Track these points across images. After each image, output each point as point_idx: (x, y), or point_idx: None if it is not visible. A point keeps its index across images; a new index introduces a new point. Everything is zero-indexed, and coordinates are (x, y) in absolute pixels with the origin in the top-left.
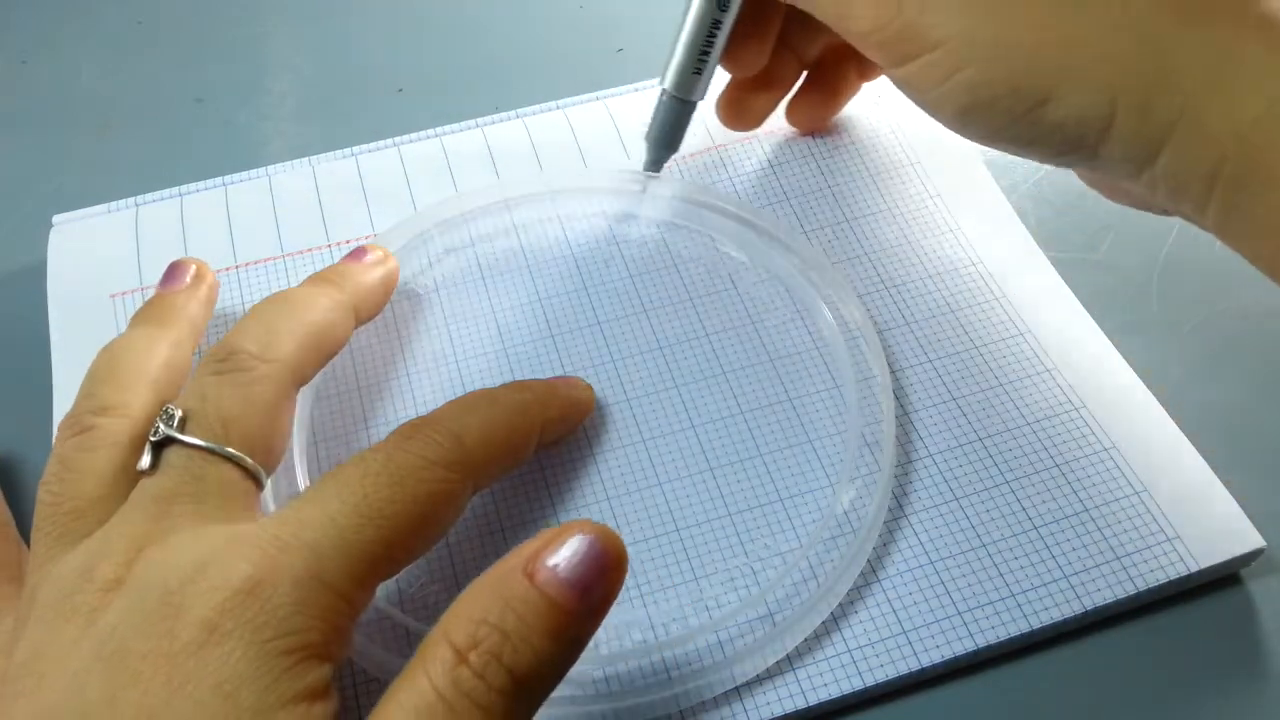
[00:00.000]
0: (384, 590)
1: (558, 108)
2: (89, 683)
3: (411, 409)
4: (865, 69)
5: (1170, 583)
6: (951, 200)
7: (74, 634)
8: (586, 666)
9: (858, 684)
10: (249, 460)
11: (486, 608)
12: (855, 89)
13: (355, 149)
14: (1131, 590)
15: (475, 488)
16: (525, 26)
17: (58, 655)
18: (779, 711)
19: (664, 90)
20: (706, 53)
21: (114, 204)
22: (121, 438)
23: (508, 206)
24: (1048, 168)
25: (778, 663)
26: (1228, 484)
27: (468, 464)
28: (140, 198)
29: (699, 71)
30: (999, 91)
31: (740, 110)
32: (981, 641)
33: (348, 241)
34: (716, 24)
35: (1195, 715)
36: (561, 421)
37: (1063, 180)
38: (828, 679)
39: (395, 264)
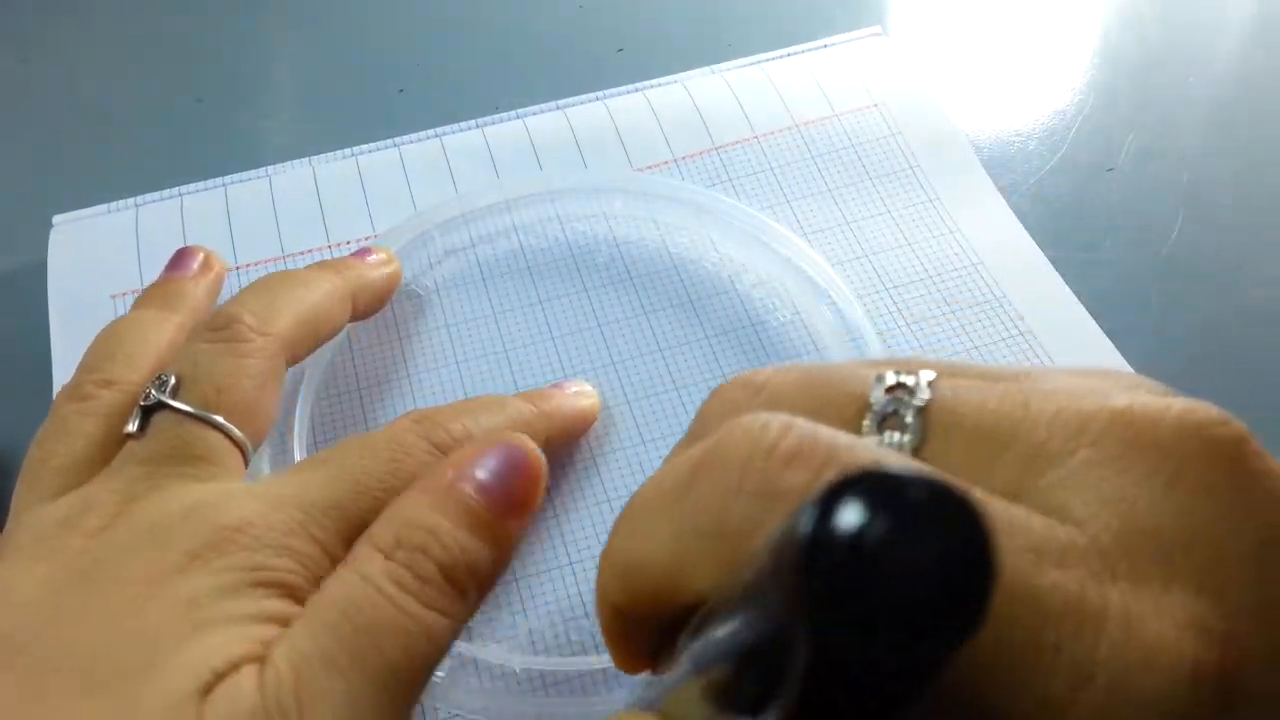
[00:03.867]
0: None
1: (558, 108)
2: (62, 599)
3: (412, 409)
4: None
5: None
6: (951, 202)
7: (47, 571)
8: (589, 658)
9: None
10: (236, 431)
11: (411, 513)
12: None
13: (355, 149)
14: None
15: None
16: (525, 26)
17: (27, 586)
18: None
19: None
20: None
21: (114, 204)
22: (119, 409)
23: (508, 206)
24: (1048, 168)
25: None
26: None
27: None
28: (140, 198)
29: None
30: None
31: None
32: None
33: (348, 242)
34: None
35: None
36: (563, 434)
37: (1063, 180)
38: None
39: (398, 267)
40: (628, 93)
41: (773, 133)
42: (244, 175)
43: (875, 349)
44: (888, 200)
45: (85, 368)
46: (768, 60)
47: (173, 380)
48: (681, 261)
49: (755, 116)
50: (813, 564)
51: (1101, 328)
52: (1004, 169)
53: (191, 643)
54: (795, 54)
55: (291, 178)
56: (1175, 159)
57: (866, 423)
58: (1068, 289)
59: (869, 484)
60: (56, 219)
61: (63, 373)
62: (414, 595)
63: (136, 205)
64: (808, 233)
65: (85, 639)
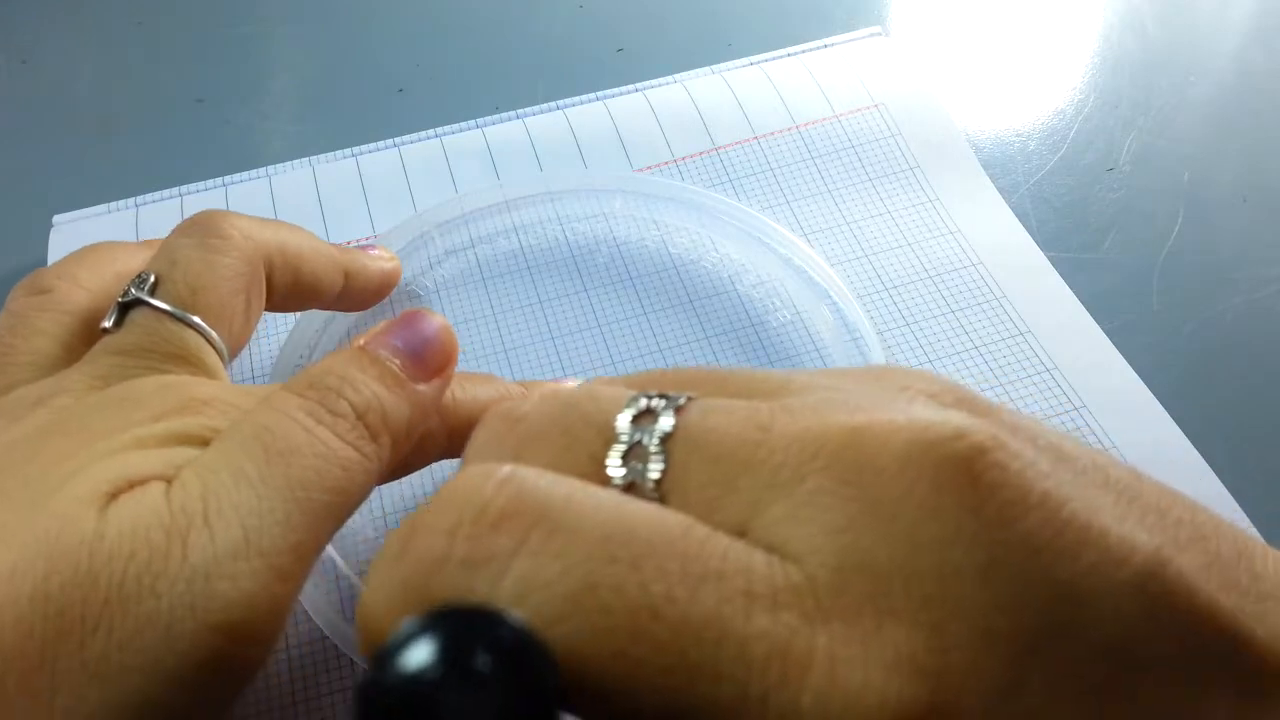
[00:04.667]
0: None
1: (558, 108)
2: (19, 444)
3: None
4: None
5: None
6: (950, 202)
7: (14, 429)
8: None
9: None
10: (213, 334)
11: (326, 364)
12: None
13: (355, 149)
14: None
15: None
16: (525, 26)
17: None
18: None
19: None
20: None
21: (114, 204)
22: (79, 308)
23: (508, 206)
24: (1048, 168)
25: None
26: (1228, 484)
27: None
28: (140, 198)
29: None
30: None
31: None
32: None
33: (347, 241)
34: None
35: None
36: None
37: (1063, 180)
38: None
39: (399, 265)
40: (628, 93)
41: (773, 133)
42: (244, 175)
43: (875, 349)
44: (888, 200)
45: (44, 270)
46: (768, 60)
47: (151, 279)
48: (681, 261)
49: (755, 117)
50: (363, 709)
51: (1101, 327)
52: (1004, 169)
53: (108, 461)
54: (795, 54)
55: (291, 178)
56: (1175, 159)
57: (612, 457)
58: (1068, 289)
59: (435, 624)
60: (56, 219)
61: None
62: (327, 426)
63: (136, 205)
64: (808, 233)
65: (30, 469)
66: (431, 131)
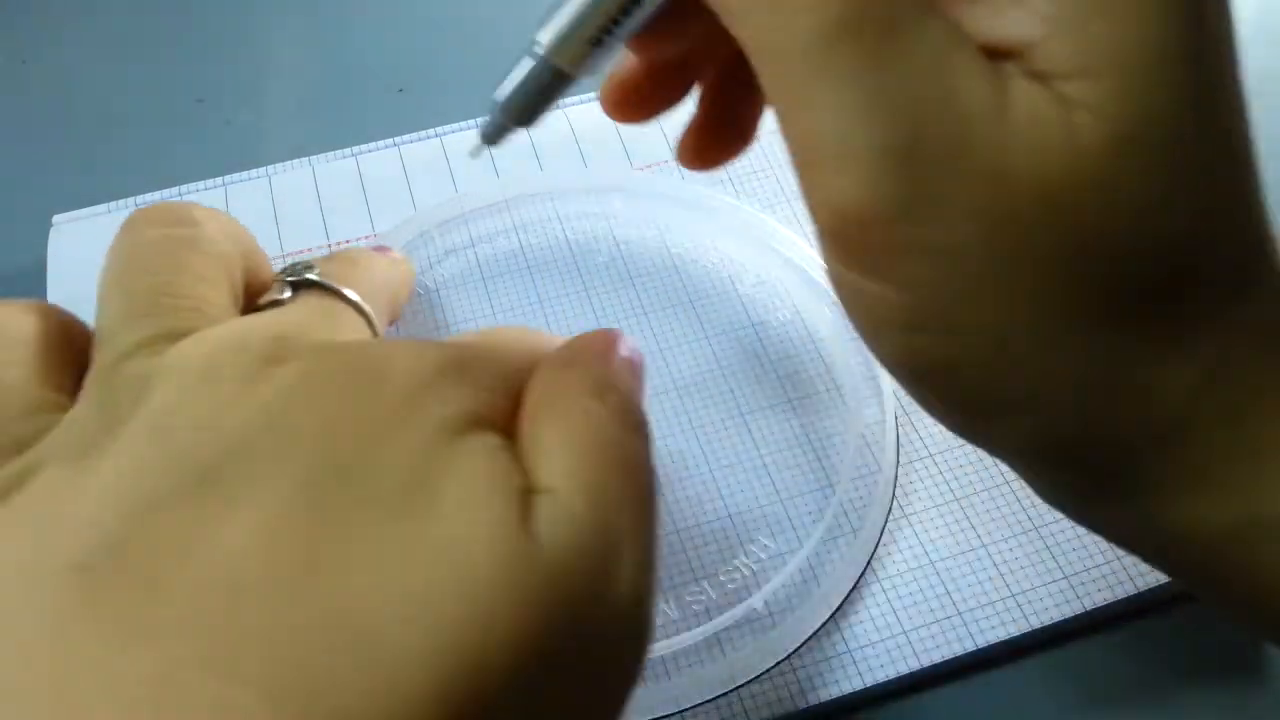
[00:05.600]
0: None
1: (558, 108)
2: (301, 410)
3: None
4: None
5: (1171, 583)
6: None
7: (231, 393)
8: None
9: (858, 684)
10: (375, 319)
11: (598, 368)
12: (760, 116)
13: (355, 149)
14: (1132, 590)
15: None
16: (525, 26)
17: (206, 409)
18: (778, 711)
19: (542, 51)
20: (619, 21)
21: (114, 204)
22: (232, 262)
23: (508, 206)
24: None
25: (777, 663)
26: None
27: None
28: (140, 198)
29: (600, 43)
30: (957, 386)
31: (637, 101)
32: (981, 641)
33: (347, 241)
34: None
35: (1196, 715)
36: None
37: None
38: (828, 679)
39: (412, 270)
40: None
41: (773, 131)
42: (244, 175)
43: None
44: None
45: (183, 205)
46: None
47: (307, 265)
48: (681, 261)
49: None
50: None
51: None
52: None
53: (464, 460)
54: None
55: (291, 178)
56: None
57: None
58: None
59: None
60: (56, 219)
61: None
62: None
63: (137, 205)
64: (808, 232)
65: (347, 451)
66: (431, 131)
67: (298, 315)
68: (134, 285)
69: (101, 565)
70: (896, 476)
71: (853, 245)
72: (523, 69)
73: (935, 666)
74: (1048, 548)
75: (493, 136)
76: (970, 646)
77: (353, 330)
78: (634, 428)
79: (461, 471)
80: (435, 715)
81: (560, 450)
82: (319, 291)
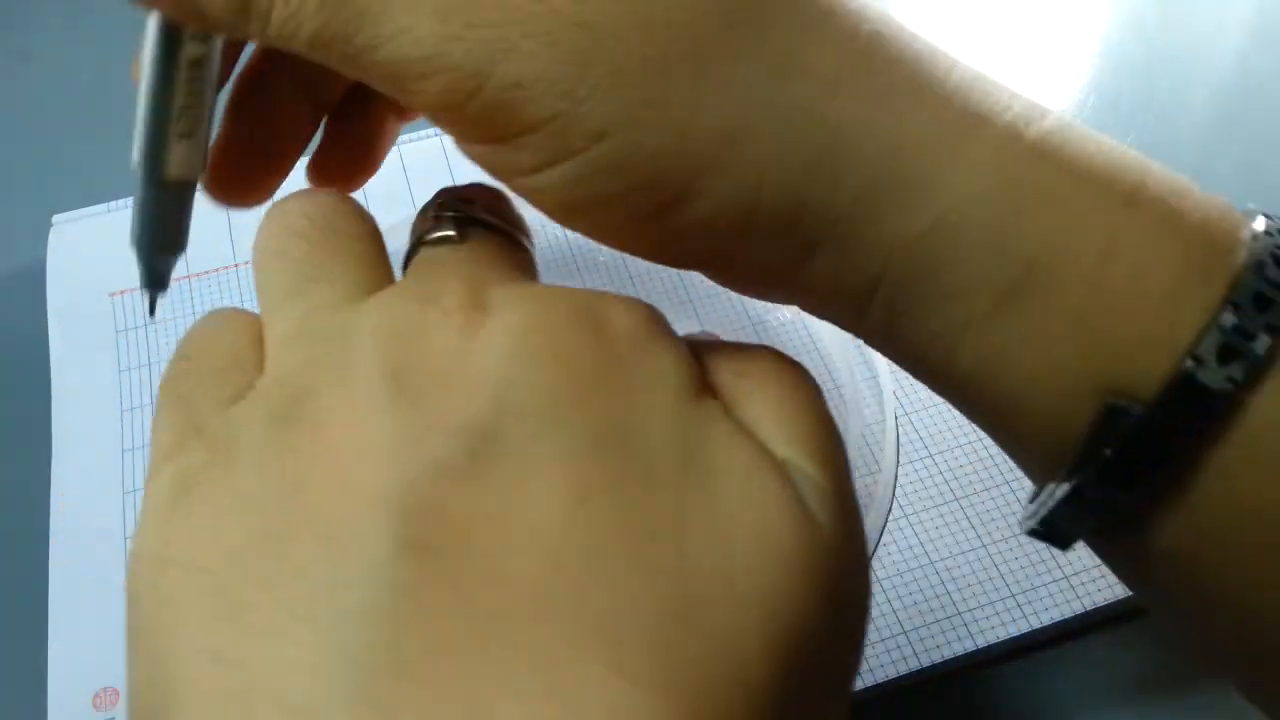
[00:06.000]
0: None
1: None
2: (529, 370)
3: None
4: (406, 110)
5: None
6: None
7: (455, 341)
8: None
9: (858, 684)
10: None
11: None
12: (396, 133)
13: None
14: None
15: None
16: None
17: (439, 361)
18: None
19: (143, 172)
20: (193, 106)
21: (114, 204)
22: (376, 229)
23: None
24: None
25: None
26: None
27: None
28: None
29: (192, 133)
30: (623, 185)
31: (242, 183)
32: (981, 641)
33: None
34: (198, 62)
35: (1196, 715)
36: None
37: None
38: None
39: None
40: None
41: None
42: None
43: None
44: None
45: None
46: None
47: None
48: None
49: None
50: None
51: None
52: None
53: (711, 429)
54: None
55: (291, 177)
56: (1175, 159)
57: None
58: None
59: None
60: (56, 219)
61: (62, 372)
62: None
63: None
64: None
65: (603, 413)
66: (432, 131)
67: (477, 256)
68: (294, 251)
69: (425, 538)
70: (896, 476)
71: (475, 119)
72: (141, 202)
73: (935, 666)
74: (1048, 547)
75: (153, 280)
76: (970, 646)
77: (522, 274)
78: (820, 390)
79: (717, 441)
80: (771, 707)
81: (772, 419)
82: (487, 231)
